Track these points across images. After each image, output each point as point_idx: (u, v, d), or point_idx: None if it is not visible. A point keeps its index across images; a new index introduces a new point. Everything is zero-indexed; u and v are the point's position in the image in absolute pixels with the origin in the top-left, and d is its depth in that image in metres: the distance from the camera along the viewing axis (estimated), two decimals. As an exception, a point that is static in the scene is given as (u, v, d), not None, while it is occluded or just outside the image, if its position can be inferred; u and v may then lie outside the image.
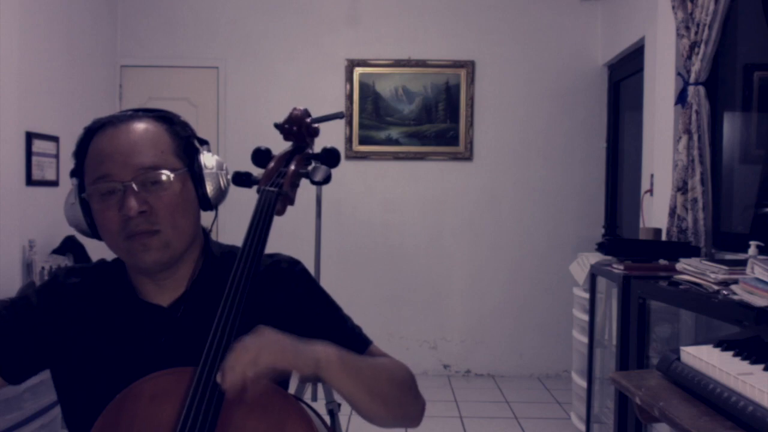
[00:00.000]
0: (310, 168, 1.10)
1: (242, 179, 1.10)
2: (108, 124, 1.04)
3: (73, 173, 1.07)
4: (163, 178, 1.01)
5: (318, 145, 1.18)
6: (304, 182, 1.12)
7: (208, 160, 1.08)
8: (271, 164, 1.10)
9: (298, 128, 1.13)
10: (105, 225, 1.02)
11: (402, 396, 1.05)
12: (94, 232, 1.06)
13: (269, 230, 1.02)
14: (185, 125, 1.10)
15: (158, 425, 0.91)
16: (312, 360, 0.92)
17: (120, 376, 0.98)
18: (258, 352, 0.88)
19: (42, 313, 1.06)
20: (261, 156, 1.13)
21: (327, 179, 1.07)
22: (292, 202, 1.08)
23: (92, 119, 1.08)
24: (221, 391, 0.89)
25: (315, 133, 1.15)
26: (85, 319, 1.07)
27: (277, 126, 1.16)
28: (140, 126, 1.04)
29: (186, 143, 1.07)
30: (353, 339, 1.12)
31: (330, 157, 1.11)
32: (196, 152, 1.08)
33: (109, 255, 1.16)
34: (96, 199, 1.02)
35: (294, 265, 1.16)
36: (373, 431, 1.15)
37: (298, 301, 1.11)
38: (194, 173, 1.06)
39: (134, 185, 0.99)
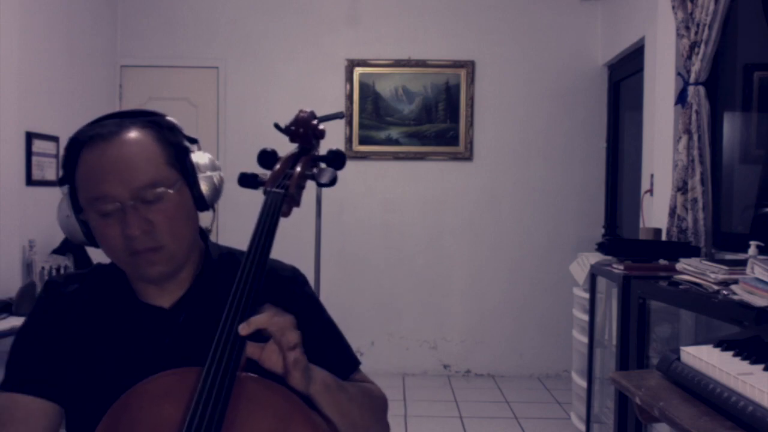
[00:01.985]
0: (315, 170, 1.10)
1: (248, 180, 1.10)
2: (97, 137, 1.01)
3: (63, 181, 1.06)
4: (162, 194, 1.00)
5: (319, 146, 1.18)
6: (307, 183, 1.12)
7: (200, 159, 1.07)
8: (278, 166, 1.09)
9: (305, 130, 1.13)
10: (107, 242, 1.01)
11: (368, 424, 1.08)
12: (91, 242, 1.05)
13: (275, 231, 1.02)
14: (173, 128, 1.07)
15: (163, 425, 0.91)
16: (307, 375, 0.95)
17: (123, 378, 0.98)
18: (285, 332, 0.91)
19: (50, 332, 1.07)
20: (267, 157, 1.13)
21: (333, 181, 1.07)
22: (298, 203, 1.08)
23: (89, 121, 1.06)
24: (228, 390, 0.89)
25: (321, 135, 1.15)
26: (87, 323, 1.07)
27: (279, 128, 1.15)
28: (131, 139, 1.01)
29: (177, 148, 1.05)
30: (344, 358, 1.15)
31: (336, 159, 1.11)
32: (187, 154, 1.06)
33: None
34: (94, 217, 1.01)
35: (296, 274, 1.17)
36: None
37: (296, 311, 1.11)
38: (188, 178, 1.05)
39: (133, 204, 0.99)
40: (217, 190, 1.08)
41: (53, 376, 1.04)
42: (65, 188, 1.05)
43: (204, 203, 1.07)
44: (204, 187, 1.06)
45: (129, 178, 0.98)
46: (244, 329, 0.90)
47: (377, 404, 1.13)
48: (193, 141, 1.09)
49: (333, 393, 0.99)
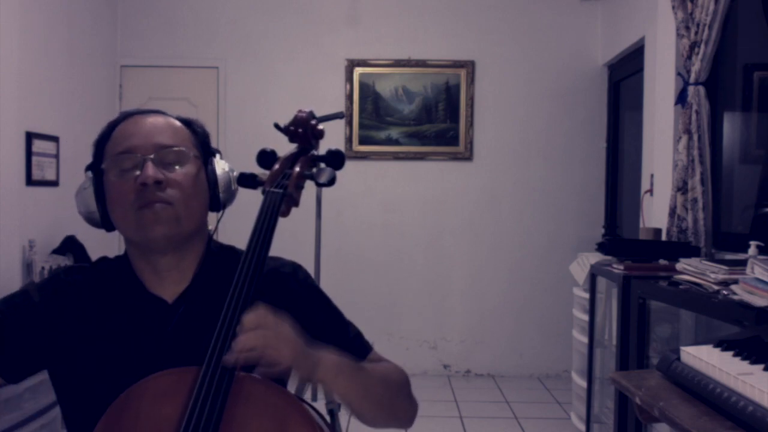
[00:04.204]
0: (314, 170, 1.11)
1: (247, 180, 1.11)
2: (132, 113, 1.10)
3: (89, 167, 1.10)
4: (182, 155, 1.06)
5: (318, 146, 1.18)
6: (306, 183, 1.12)
7: (219, 164, 1.13)
8: (276, 166, 1.10)
9: (303, 130, 1.13)
10: (119, 197, 1.04)
11: (394, 399, 1.10)
12: (103, 221, 1.07)
13: (274, 231, 1.03)
14: (204, 129, 1.16)
15: (162, 424, 0.91)
16: (312, 365, 0.95)
17: (123, 370, 0.99)
18: (273, 343, 0.91)
19: (43, 310, 1.06)
20: (266, 157, 1.14)
21: (332, 181, 1.07)
22: (296, 203, 1.09)
23: (93, 119, 1.10)
24: (225, 390, 0.90)
25: (320, 135, 1.16)
26: (89, 314, 1.07)
27: (279, 128, 1.16)
28: (163, 117, 1.11)
29: (203, 140, 1.13)
30: (355, 345, 1.15)
31: (335, 159, 1.11)
32: (211, 154, 1.14)
33: (110, 254, 1.16)
34: (114, 173, 1.05)
35: (297, 269, 1.18)
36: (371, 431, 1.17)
37: (301, 305, 1.12)
38: (207, 171, 1.11)
39: (154, 158, 1.04)
40: (231, 193, 1.13)
41: (10, 347, 1.03)
42: (89, 173, 1.10)
43: (217, 201, 1.11)
44: (220, 186, 1.11)
45: (154, 137, 1.06)
46: (230, 359, 0.90)
47: (400, 380, 1.14)
48: (216, 151, 1.16)
49: (347, 375, 1.00)
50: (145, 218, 1.02)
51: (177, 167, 1.05)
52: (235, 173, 1.14)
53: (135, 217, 1.03)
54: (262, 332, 0.90)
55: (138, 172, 1.02)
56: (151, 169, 1.02)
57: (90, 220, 1.09)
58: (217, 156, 1.15)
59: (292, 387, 1.06)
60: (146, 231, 1.03)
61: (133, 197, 1.02)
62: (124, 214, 1.04)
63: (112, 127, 1.10)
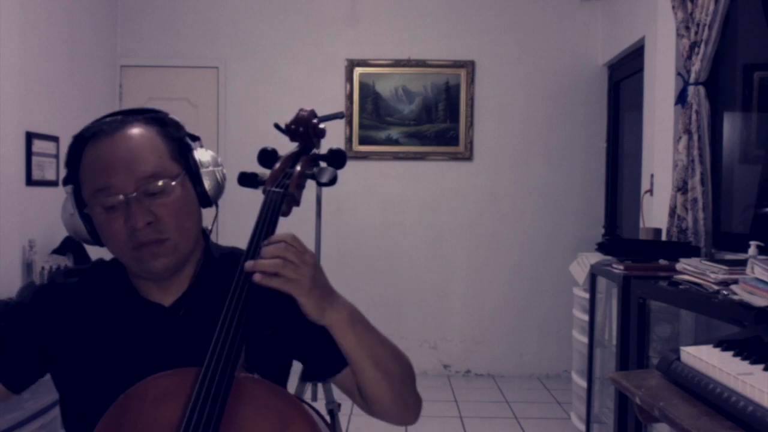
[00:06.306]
0: (316, 169, 1.10)
1: (248, 180, 1.10)
2: (101, 132, 1.02)
3: (67, 181, 1.06)
4: (165, 186, 1.01)
5: (320, 145, 1.18)
6: (307, 183, 1.11)
7: (202, 156, 1.08)
8: (277, 165, 1.09)
9: (305, 129, 1.13)
10: (111, 236, 1.01)
11: (405, 379, 1.07)
12: (96, 240, 1.05)
13: (275, 231, 1.01)
14: (176, 124, 1.09)
15: (162, 425, 0.91)
16: (326, 301, 0.96)
17: (121, 376, 0.99)
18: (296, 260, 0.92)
19: (39, 317, 1.06)
20: (267, 156, 1.12)
21: (333, 181, 1.06)
22: (297, 203, 1.08)
23: (92, 119, 1.07)
24: (226, 391, 0.89)
25: (321, 134, 1.15)
26: (85, 318, 1.07)
27: (279, 127, 1.15)
28: (135, 133, 1.03)
29: (180, 144, 1.07)
30: None
31: (336, 159, 1.11)
32: (190, 150, 1.08)
33: (109, 254, 1.16)
34: (98, 211, 1.01)
35: None
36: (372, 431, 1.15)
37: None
38: (191, 173, 1.06)
39: (137, 196, 0.99)
40: (220, 186, 1.09)
41: (13, 357, 1.04)
42: (69, 188, 1.06)
43: (207, 199, 1.08)
44: (207, 183, 1.07)
45: (133, 169, 1.00)
46: (249, 265, 0.92)
47: (409, 364, 1.10)
48: (195, 138, 1.11)
49: (357, 329, 1.00)
50: (143, 257, 1.01)
51: (163, 195, 1.01)
52: (220, 161, 1.11)
53: (132, 255, 1.01)
54: (288, 248, 0.92)
55: (124, 206, 0.99)
56: (138, 213, 0.98)
57: (83, 241, 1.07)
58: (197, 146, 1.09)
59: (291, 388, 1.06)
60: (146, 267, 1.02)
61: (126, 237, 1.00)
62: (119, 251, 1.03)
63: (79, 143, 1.03)
